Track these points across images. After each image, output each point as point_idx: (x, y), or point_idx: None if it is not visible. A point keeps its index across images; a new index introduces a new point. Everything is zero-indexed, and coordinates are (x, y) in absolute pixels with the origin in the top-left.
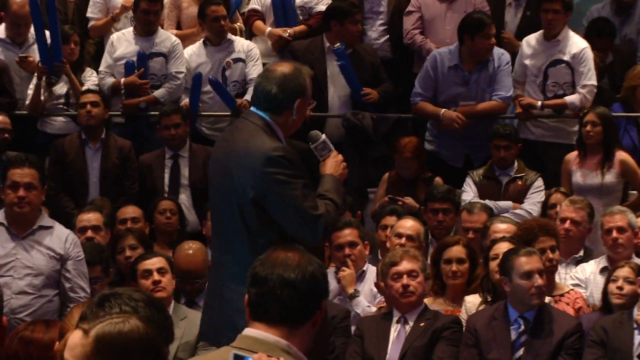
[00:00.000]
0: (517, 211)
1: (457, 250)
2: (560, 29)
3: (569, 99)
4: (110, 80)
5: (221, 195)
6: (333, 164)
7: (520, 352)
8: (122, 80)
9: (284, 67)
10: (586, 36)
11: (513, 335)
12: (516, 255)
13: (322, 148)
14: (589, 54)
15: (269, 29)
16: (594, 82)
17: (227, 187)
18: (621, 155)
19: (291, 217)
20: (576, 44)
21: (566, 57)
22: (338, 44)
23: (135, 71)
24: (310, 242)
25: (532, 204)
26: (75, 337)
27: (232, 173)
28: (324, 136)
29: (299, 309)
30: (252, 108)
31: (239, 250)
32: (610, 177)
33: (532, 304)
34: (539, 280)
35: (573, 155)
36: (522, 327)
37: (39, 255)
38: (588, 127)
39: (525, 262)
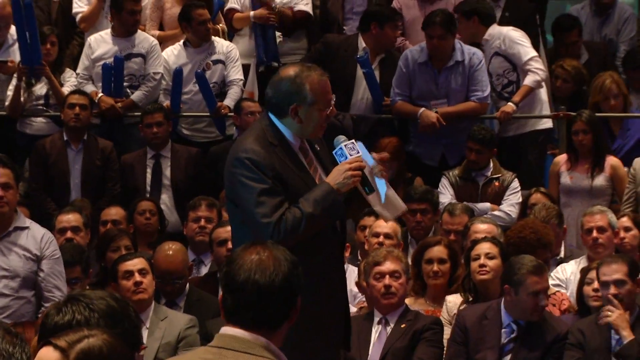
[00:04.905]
0: (496, 213)
1: (439, 251)
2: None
3: (528, 81)
4: (89, 88)
5: None
6: (335, 172)
7: (508, 357)
8: (100, 96)
9: (286, 71)
10: (552, 33)
11: (503, 339)
12: (527, 272)
13: (340, 155)
14: (513, 34)
15: (252, 12)
16: (532, 54)
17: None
18: (612, 160)
19: (247, 218)
20: (499, 32)
21: (495, 49)
22: (362, 52)
23: (113, 74)
24: None
25: (511, 205)
26: (50, 357)
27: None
28: (341, 143)
29: (275, 315)
30: None
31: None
32: (600, 180)
33: (531, 319)
34: (544, 301)
35: (562, 157)
36: (515, 332)
37: (15, 257)
38: (580, 136)
39: (536, 281)
